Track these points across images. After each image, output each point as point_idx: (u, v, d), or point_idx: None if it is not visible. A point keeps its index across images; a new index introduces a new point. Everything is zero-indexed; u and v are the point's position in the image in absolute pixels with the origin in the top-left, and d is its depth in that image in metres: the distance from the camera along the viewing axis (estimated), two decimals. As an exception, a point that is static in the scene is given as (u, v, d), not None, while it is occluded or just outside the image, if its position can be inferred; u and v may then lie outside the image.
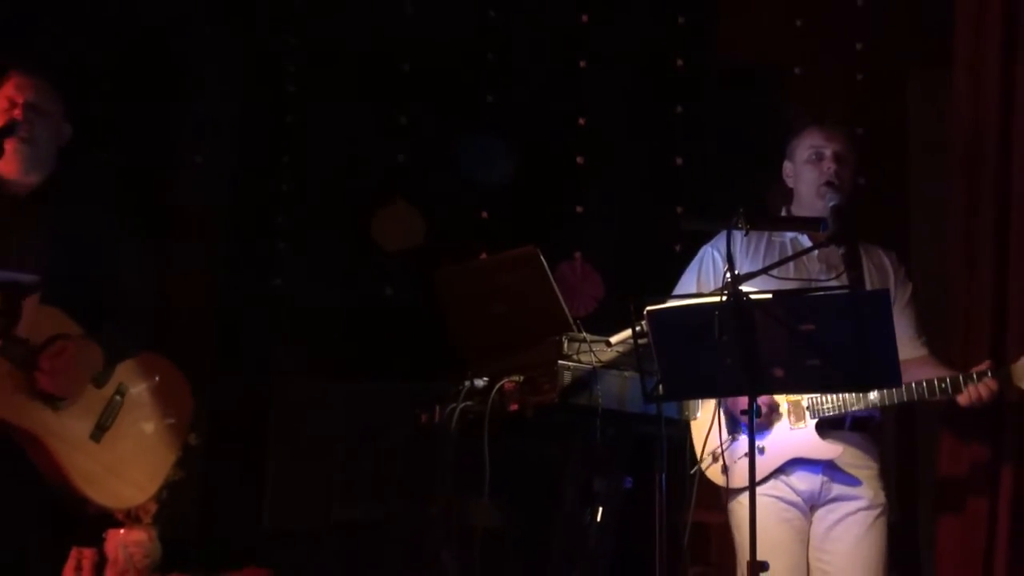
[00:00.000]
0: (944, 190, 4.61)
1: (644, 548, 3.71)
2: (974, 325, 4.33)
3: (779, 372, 3.40)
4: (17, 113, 3.87)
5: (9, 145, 3.79)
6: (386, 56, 5.99)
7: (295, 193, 6.11)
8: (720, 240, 4.19)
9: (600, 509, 3.95)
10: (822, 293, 3.48)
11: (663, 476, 3.69)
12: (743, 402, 3.48)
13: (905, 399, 3.97)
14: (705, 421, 4.05)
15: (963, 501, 4.32)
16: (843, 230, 3.91)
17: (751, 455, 3.42)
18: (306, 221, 6.10)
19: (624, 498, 4.07)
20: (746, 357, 3.36)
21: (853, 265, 4.09)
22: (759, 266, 3.93)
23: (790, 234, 4.22)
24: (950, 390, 3.93)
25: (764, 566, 3.45)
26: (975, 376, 3.91)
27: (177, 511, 5.42)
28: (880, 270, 4.20)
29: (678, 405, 3.98)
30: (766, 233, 4.22)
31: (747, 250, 4.20)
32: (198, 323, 6.01)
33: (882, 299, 3.41)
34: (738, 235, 3.98)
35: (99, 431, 3.84)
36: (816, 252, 4.11)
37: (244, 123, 6.25)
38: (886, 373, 3.45)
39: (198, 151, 6.17)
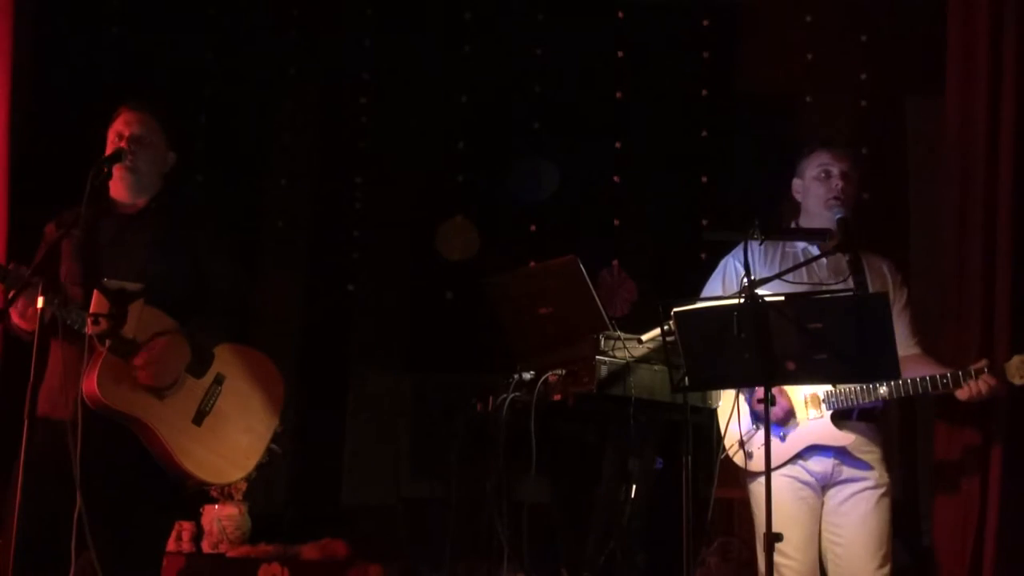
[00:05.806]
0: (938, 203, 4.56)
1: (673, 521, 3.69)
2: (964, 325, 4.26)
3: (791, 366, 3.38)
4: (123, 144, 3.94)
5: (116, 171, 3.86)
6: (446, 89, 6.00)
7: (367, 210, 6.13)
8: (739, 251, 4.13)
9: (634, 487, 3.92)
10: (829, 296, 3.44)
11: (689, 458, 3.66)
12: (760, 395, 3.44)
13: (911, 392, 3.89)
14: (727, 413, 4.03)
15: (957, 482, 4.26)
16: (848, 239, 3.88)
17: (767, 441, 3.42)
18: (377, 234, 6.12)
19: (655, 477, 4.05)
20: (761, 352, 3.34)
21: (858, 270, 4.02)
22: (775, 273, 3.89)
23: (801, 244, 4.17)
24: (951, 385, 3.87)
25: (779, 537, 3.45)
26: (973, 373, 3.85)
27: (264, 488, 5.50)
28: (879, 276, 4.14)
29: (702, 395, 3.95)
30: (780, 244, 4.17)
31: (764, 259, 4.14)
32: (285, 323, 6.06)
33: (882, 301, 3.38)
34: (755, 246, 4.03)
35: (200, 415, 3.84)
36: (825, 260, 4.07)
37: (323, 149, 6.30)
38: (886, 367, 3.42)
39: (283, 175, 6.25)
